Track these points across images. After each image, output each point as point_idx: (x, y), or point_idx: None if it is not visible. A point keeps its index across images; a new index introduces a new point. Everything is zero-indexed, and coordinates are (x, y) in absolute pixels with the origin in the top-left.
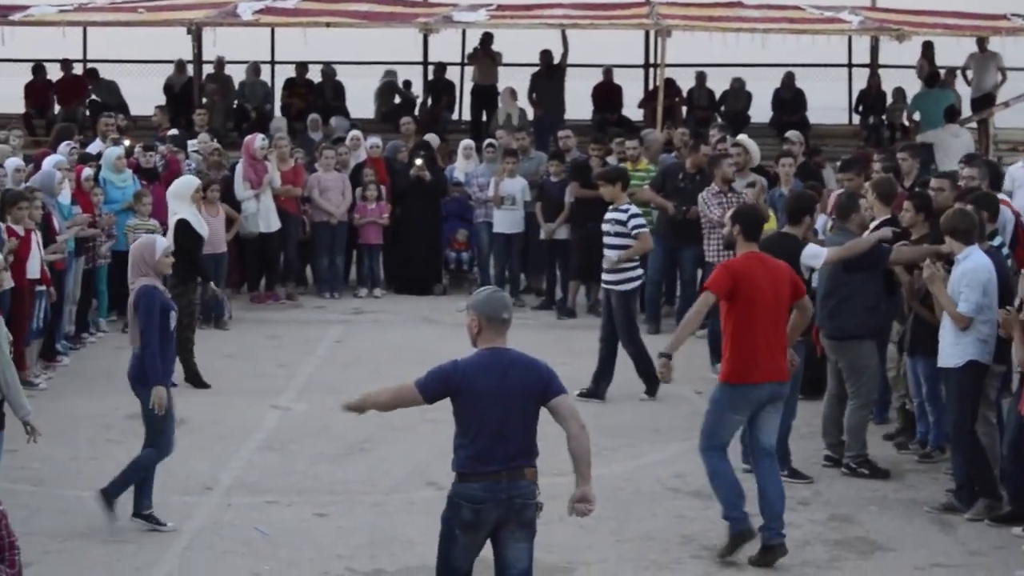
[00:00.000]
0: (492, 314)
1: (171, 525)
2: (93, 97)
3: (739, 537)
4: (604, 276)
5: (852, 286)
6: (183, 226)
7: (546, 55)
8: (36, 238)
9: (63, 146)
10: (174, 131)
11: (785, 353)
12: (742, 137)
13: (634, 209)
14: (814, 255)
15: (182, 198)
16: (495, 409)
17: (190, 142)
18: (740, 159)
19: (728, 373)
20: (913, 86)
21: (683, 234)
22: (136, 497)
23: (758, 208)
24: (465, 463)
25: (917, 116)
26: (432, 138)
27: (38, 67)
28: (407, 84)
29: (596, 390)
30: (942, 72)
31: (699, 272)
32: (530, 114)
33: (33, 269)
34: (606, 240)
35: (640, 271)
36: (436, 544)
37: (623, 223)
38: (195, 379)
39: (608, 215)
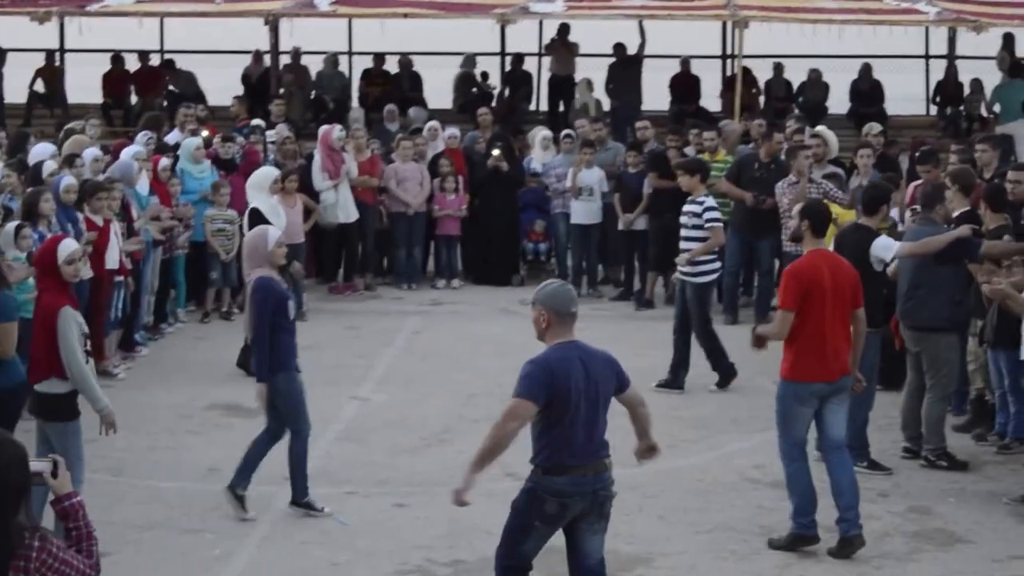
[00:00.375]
0: (561, 308)
1: (252, 514)
2: (171, 88)
3: (799, 540)
4: (681, 268)
5: (940, 278)
6: (254, 215)
7: (620, 48)
8: (115, 228)
9: (140, 136)
10: (259, 122)
11: (849, 348)
12: (820, 128)
13: (710, 202)
14: (885, 247)
15: (260, 188)
16: (581, 403)
17: (267, 132)
18: (819, 150)
19: (791, 371)
20: (990, 77)
21: (759, 225)
22: (238, 472)
23: (825, 203)
24: (552, 457)
25: (997, 108)
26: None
27: (116, 58)
28: (484, 75)
29: (674, 380)
30: None
31: (776, 262)
32: (607, 105)
33: (112, 259)
34: (683, 232)
35: (717, 264)
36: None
37: (699, 215)
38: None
39: (685, 207)
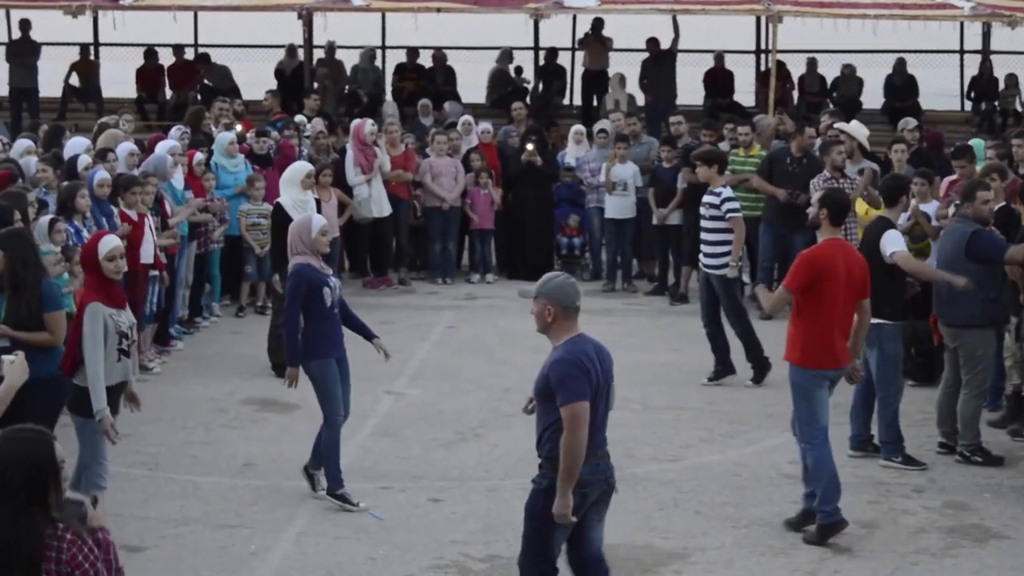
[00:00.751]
0: (567, 302)
1: (322, 493)
2: (205, 82)
3: (829, 529)
4: (703, 260)
5: (976, 274)
6: (277, 209)
7: (653, 43)
8: (149, 223)
9: (174, 130)
10: (301, 118)
11: (847, 338)
12: (843, 124)
13: (727, 193)
14: (892, 241)
15: (291, 183)
16: (602, 395)
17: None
18: (846, 146)
19: (803, 358)
20: None
21: (792, 219)
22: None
23: (845, 193)
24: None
25: None
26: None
27: (150, 52)
28: (518, 70)
29: (724, 369)
30: None
31: None
32: (640, 100)
33: (147, 254)
34: (702, 224)
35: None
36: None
37: (717, 207)
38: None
39: (704, 198)
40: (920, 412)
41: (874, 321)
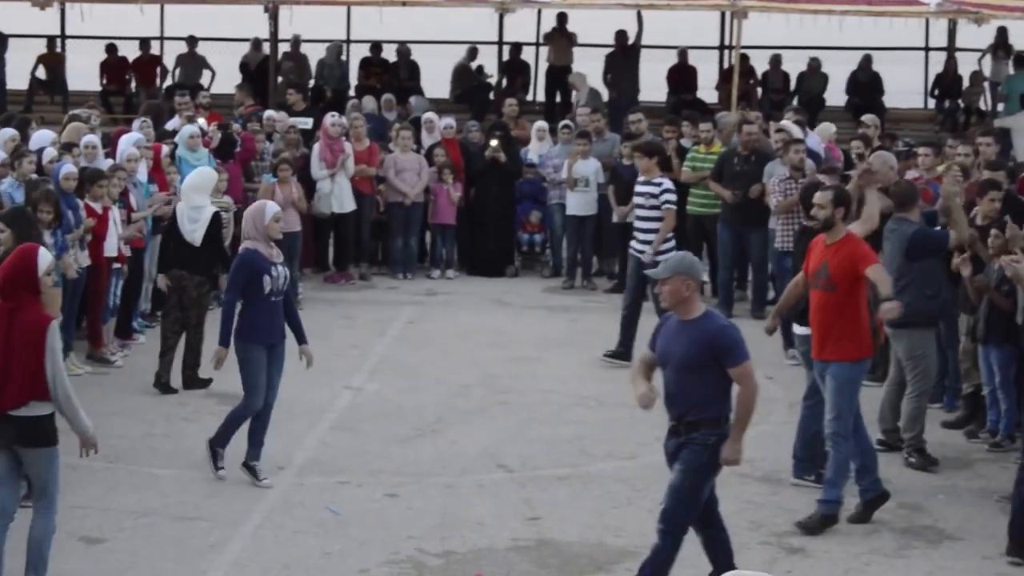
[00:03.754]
0: (700, 276)
1: (267, 482)
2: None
3: (876, 502)
4: (634, 245)
5: (912, 274)
6: (217, 219)
7: (621, 36)
8: (114, 216)
9: (136, 123)
10: (295, 121)
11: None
12: (784, 122)
13: (667, 184)
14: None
15: (205, 192)
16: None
17: (291, 120)
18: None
19: (860, 349)
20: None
21: (749, 218)
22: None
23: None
24: (725, 413)
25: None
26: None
27: (111, 45)
28: (479, 69)
29: (625, 352)
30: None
31: (767, 255)
32: (605, 95)
33: (110, 247)
34: (637, 212)
35: (671, 243)
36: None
37: (656, 196)
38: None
39: (640, 187)
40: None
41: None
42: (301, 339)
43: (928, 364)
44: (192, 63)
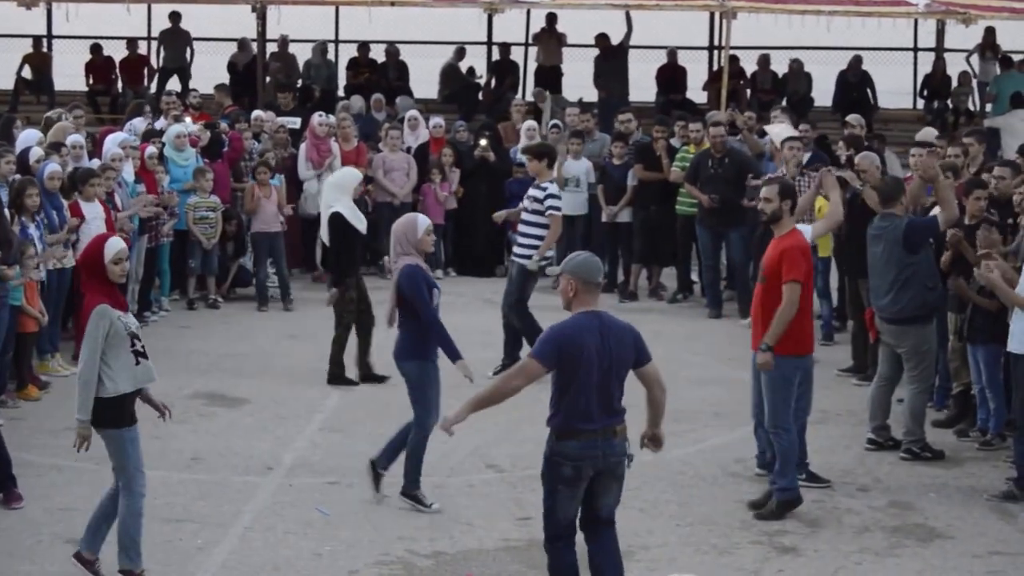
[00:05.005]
0: (588, 277)
1: (436, 506)
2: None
3: (791, 504)
4: (516, 249)
5: (914, 266)
6: (336, 220)
7: (603, 39)
8: (103, 215)
9: (139, 120)
10: (295, 123)
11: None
12: (770, 127)
13: (553, 189)
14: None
15: (344, 191)
16: (595, 370)
17: (279, 119)
18: (768, 146)
19: (797, 345)
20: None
21: (725, 218)
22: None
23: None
24: (564, 422)
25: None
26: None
27: (96, 46)
28: (471, 71)
29: (512, 364)
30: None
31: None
32: (594, 95)
33: None
34: (523, 216)
35: (552, 253)
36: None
37: (540, 200)
38: (369, 376)
39: (529, 191)
40: (843, 410)
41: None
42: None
43: (932, 359)
44: (176, 40)
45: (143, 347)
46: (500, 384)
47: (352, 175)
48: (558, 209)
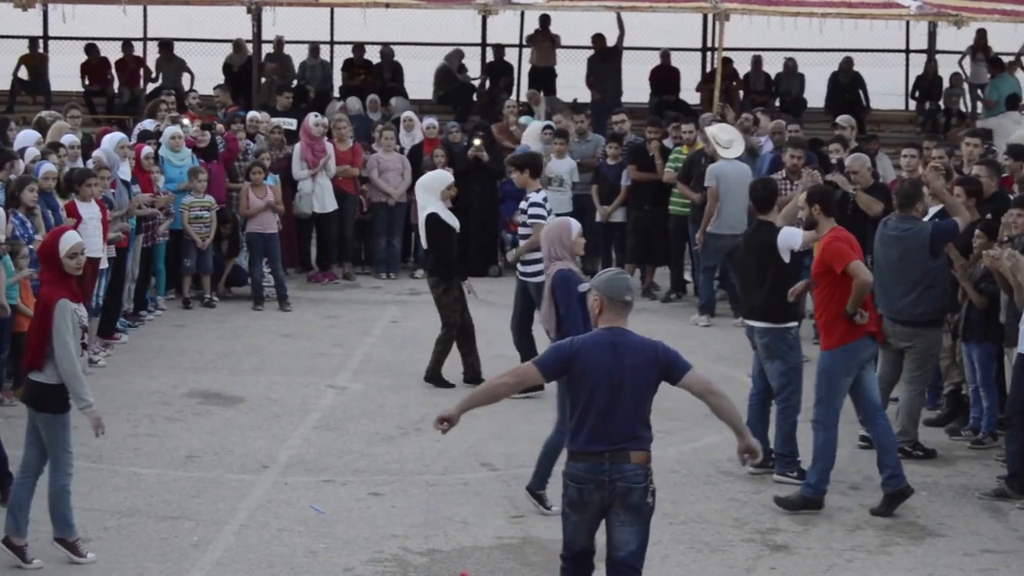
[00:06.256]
0: (614, 295)
1: (555, 509)
2: (154, 77)
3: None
4: (520, 268)
5: (936, 271)
6: (434, 221)
7: (599, 39)
8: (99, 216)
9: (148, 122)
10: (291, 123)
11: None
12: (710, 128)
13: (535, 198)
14: (791, 236)
15: (432, 192)
16: (604, 389)
17: (275, 120)
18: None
19: (844, 336)
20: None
21: None
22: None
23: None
24: (573, 442)
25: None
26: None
27: (90, 46)
28: (462, 69)
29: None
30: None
31: None
32: (588, 96)
33: (96, 248)
34: (520, 230)
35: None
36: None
37: (524, 211)
38: (474, 378)
39: (521, 204)
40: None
41: (776, 326)
42: None
43: (935, 363)
44: (171, 66)
45: (87, 339)
46: (492, 383)
47: (440, 177)
48: (541, 218)
